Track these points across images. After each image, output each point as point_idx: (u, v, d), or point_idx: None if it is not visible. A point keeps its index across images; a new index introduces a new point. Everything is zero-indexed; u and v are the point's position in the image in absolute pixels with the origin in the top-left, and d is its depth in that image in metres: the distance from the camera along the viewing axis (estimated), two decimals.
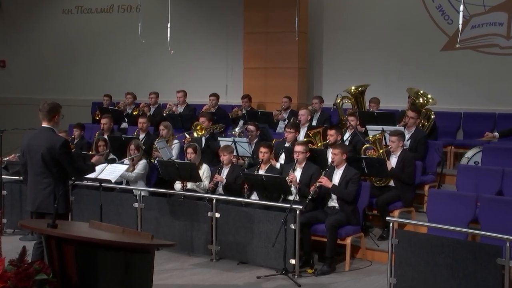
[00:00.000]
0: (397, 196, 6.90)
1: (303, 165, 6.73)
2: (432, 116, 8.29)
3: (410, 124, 7.73)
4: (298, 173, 6.69)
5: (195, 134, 8.17)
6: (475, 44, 9.61)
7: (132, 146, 7.61)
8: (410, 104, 8.47)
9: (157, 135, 8.60)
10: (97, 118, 10.29)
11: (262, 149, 7.01)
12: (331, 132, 7.32)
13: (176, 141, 8.37)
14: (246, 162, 7.87)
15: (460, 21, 6.10)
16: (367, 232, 6.84)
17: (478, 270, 4.96)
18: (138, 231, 6.52)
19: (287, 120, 9.35)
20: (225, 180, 7.09)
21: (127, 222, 6.94)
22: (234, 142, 7.73)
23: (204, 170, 7.28)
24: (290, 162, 6.98)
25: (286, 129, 7.86)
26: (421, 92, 8.42)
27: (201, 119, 8.43)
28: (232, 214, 6.58)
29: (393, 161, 7.04)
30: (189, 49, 11.71)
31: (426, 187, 7.36)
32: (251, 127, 8.12)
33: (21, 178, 7.28)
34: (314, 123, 9.01)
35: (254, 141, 8.01)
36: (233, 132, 8.43)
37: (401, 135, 7.14)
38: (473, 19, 9.60)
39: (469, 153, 7.60)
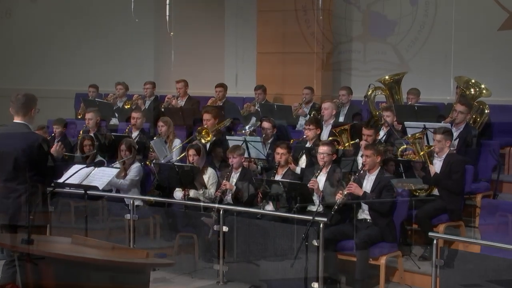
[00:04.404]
0: (442, 208, 6.86)
1: (328, 169, 6.71)
2: (486, 111, 8.24)
3: (458, 120, 7.68)
4: (322, 179, 6.67)
5: (203, 141, 8.06)
6: None
7: (123, 147, 7.63)
8: (458, 96, 8.42)
9: (153, 133, 8.60)
10: (81, 114, 10.32)
11: (279, 150, 7.01)
12: (369, 132, 7.25)
13: (177, 140, 8.36)
14: (260, 166, 7.85)
15: None
16: (405, 251, 6.80)
17: None
18: (130, 247, 6.53)
19: (308, 116, 9.33)
20: (234, 187, 7.09)
21: (117, 236, 6.97)
22: (246, 141, 7.72)
23: (209, 175, 7.28)
24: (312, 165, 6.96)
25: (305, 126, 7.84)
26: (473, 81, 8.36)
27: (206, 115, 8.40)
28: (242, 228, 6.57)
29: (437, 165, 6.99)
30: (191, 31, 11.73)
31: (479, 197, 7.32)
32: (265, 124, 8.11)
33: None
34: (340, 119, 8.99)
35: (269, 140, 8.01)
36: (244, 131, 8.42)
37: (447, 133, 7.09)
38: None
39: None
